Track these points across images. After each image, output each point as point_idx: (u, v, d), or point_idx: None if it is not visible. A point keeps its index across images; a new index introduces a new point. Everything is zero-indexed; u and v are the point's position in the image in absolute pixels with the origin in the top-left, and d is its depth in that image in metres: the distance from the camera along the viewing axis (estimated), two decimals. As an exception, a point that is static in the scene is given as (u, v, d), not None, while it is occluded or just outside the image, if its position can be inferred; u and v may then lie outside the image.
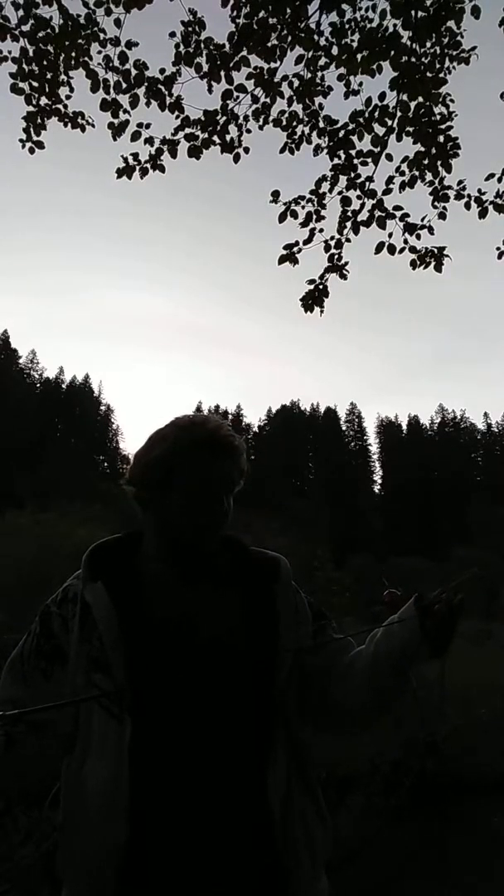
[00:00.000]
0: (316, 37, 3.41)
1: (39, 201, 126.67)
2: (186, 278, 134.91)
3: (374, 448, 75.66)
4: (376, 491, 72.81)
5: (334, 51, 3.44)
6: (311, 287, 3.79)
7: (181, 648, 1.13)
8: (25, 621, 1.28)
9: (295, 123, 3.65)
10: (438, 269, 3.77)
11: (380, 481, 74.28)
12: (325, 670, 1.25)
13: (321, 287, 3.79)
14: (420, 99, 3.43)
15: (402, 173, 3.67)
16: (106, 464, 66.59)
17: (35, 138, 3.55)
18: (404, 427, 77.34)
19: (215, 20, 3.42)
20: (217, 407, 76.02)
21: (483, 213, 3.64)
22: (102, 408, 72.00)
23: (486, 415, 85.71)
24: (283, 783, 1.12)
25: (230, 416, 75.00)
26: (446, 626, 1.15)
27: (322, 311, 3.80)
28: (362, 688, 1.21)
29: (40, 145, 3.58)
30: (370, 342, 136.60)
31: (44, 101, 3.47)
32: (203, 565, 1.22)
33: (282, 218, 3.63)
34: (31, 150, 3.59)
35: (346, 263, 3.78)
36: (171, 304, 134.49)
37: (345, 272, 3.79)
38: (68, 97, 3.52)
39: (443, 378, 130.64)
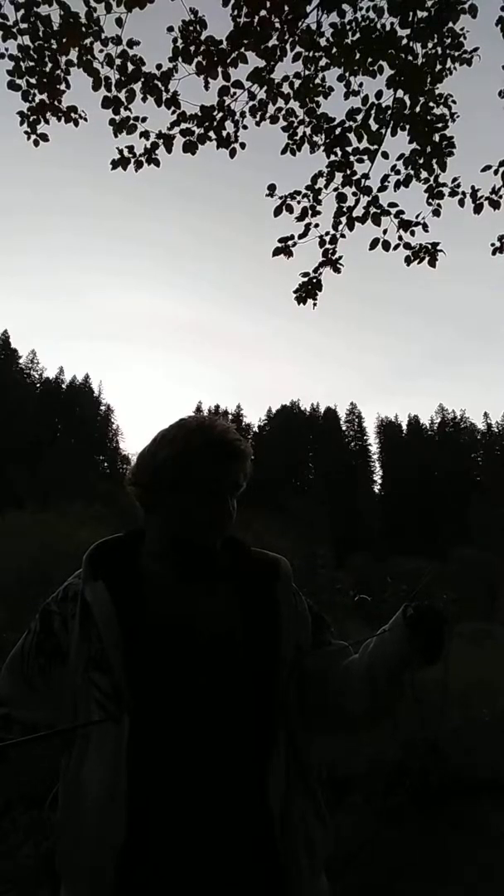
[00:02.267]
0: (316, 37, 3.41)
1: (40, 201, 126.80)
2: (187, 278, 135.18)
3: (374, 448, 75.74)
4: (376, 491, 72.80)
5: (334, 51, 3.44)
6: (305, 280, 3.82)
7: (181, 648, 1.13)
8: (26, 621, 1.28)
9: (295, 123, 3.67)
10: (432, 264, 3.80)
11: (380, 481, 74.33)
12: (323, 673, 1.26)
13: (315, 280, 3.82)
14: (418, 97, 3.44)
15: (398, 171, 3.69)
16: (106, 464, 66.60)
17: (39, 131, 3.57)
18: (404, 427, 77.37)
19: (213, 18, 3.42)
20: (217, 407, 76.05)
21: (478, 209, 3.66)
22: (102, 408, 72.11)
23: (486, 415, 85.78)
24: (283, 783, 1.12)
25: (230, 416, 75.04)
26: (435, 634, 1.16)
27: (315, 304, 3.84)
28: (359, 692, 1.22)
29: (44, 137, 3.60)
30: (370, 342, 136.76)
31: (41, 97, 3.48)
32: (204, 565, 1.23)
33: (277, 212, 3.65)
34: (36, 143, 3.61)
35: (340, 258, 3.82)
36: (171, 304, 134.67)
37: (338, 266, 3.81)
38: (63, 92, 3.52)
39: (443, 378, 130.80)
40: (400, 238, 3.73)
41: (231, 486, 1.24)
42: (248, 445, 1.27)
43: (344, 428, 75.94)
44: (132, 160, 3.58)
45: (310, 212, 3.70)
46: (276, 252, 3.65)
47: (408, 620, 1.17)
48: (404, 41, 3.30)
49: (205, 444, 1.21)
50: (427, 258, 3.77)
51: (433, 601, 1.21)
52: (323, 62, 3.51)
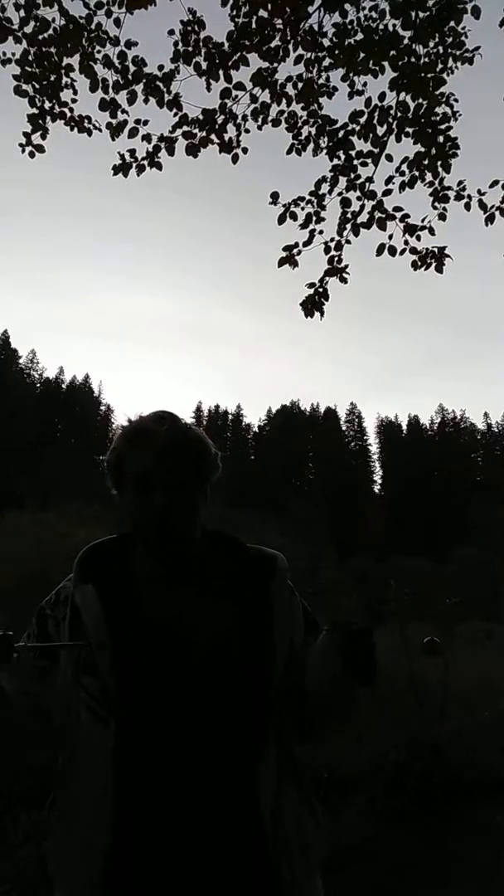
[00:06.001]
0: (318, 38, 3.40)
1: (40, 201, 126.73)
2: (187, 278, 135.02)
3: (374, 448, 75.70)
4: (376, 491, 72.78)
5: (337, 51, 3.43)
6: (311, 291, 3.73)
7: (171, 650, 1.12)
8: (25, 621, 1.29)
9: (300, 124, 3.63)
10: (440, 269, 3.72)
11: (380, 481, 74.31)
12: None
13: (321, 290, 3.74)
14: (420, 100, 3.42)
15: (403, 173, 3.63)
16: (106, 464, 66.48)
17: (36, 142, 3.52)
18: (404, 427, 77.33)
19: (215, 19, 3.41)
20: (217, 407, 76.10)
21: (490, 220, 3.59)
22: (102, 408, 72.08)
23: (486, 415, 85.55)
24: (274, 784, 1.11)
25: (230, 416, 75.04)
26: (366, 654, 1.09)
27: (322, 315, 3.74)
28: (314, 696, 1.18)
29: (40, 149, 3.54)
30: (370, 342, 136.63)
31: (47, 103, 3.45)
32: (192, 564, 1.22)
33: (281, 220, 3.60)
34: (31, 154, 3.55)
35: (347, 266, 3.74)
36: (171, 304, 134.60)
37: (345, 275, 3.73)
38: (73, 101, 3.50)
39: (443, 378, 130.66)
40: (406, 243, 3.66)
41: (166, 478, 1.17)
42: (175, 432, 1.20)
43: (344, 428, 75.89)
44: (134, 164, 3.53)
45: (314, 218, 3.64)
46: (282, 262, 3.58)
47: (337, 644, 1.10)
48: (406, 41, 3.29)
49: (127, 442, 1.20)
50: (434, 263, 3.69)
51: (355, 621, 1.13)
52: (326, 62, 3.48)
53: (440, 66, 3.42)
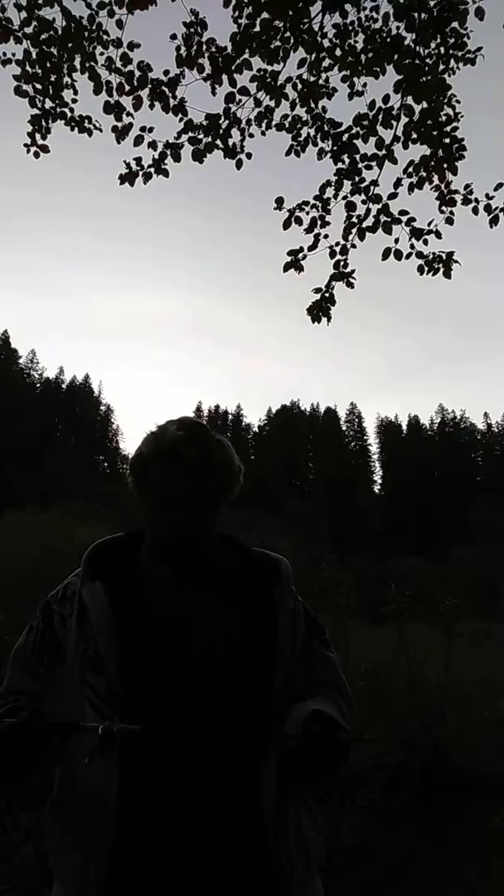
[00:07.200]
0: (319, 38, 3.39)
1: (41, 201, 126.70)
2: (187, 278, 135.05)
3: (374, 448, 75.67)
4: (376, 491, 72.74)
5: (338, 52, 3.42)
6: (318, 296, 3.69)
7: (176, 650, 1.14)
8: (25, 622, 1.30)
9: (299, 126, 3.61)
10: (447, 275, 3.65)
11: (380, 481, 74.29)
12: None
13: (327, 295, 3.70)
14: (424, 103, 3.40)
15: (411, 175, 3.60)
16: (106, 464, 66.61)
17: (40, 142, 3.51)
18: (404, 427, 77.28)
19: (218, 21, 3.40)
20: (217, 407, 76.09)
21: (494, 221, 3.56)
22: (102, 408, 72.09)
23: (486, 415, 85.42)
24: (275, 785, 1.12)
25: (230, 416, 75.02)
26: (327, 767, 1.10)
27: (329, 321, 3.69)
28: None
29: (45, 149, 3.54)
30: (371, 341, 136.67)
31: (48, 103, 3.44)
32: (199, 567, 1.23)
33: (286, 225, 3.57)
34: (36, 155, 3.54)
35: (353, 271, 3.70)
36: (171, 305, 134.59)
37: (351, 280, 3.69)
38: (74, 101, 3.48)
39: (443, 377, 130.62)
40: (412, 247, 3.61)
41: (189, 498, 1.17)
42: (213, 449, 1.20)
43: (344, 428, 75.86)
44: (140, 173, 3.48)
45: (319, 222, 3.60)
46: (287, 267, 3.55)
47: (300, 746, 1.08)
48: (409, 43, 3.28)
49: (154, 452, 1.19)
50: (442, 268, 3.64)
51: (336, 731, 1.08)
52: (326, 62, 3.46)
53: (441, 66, 3.40)
